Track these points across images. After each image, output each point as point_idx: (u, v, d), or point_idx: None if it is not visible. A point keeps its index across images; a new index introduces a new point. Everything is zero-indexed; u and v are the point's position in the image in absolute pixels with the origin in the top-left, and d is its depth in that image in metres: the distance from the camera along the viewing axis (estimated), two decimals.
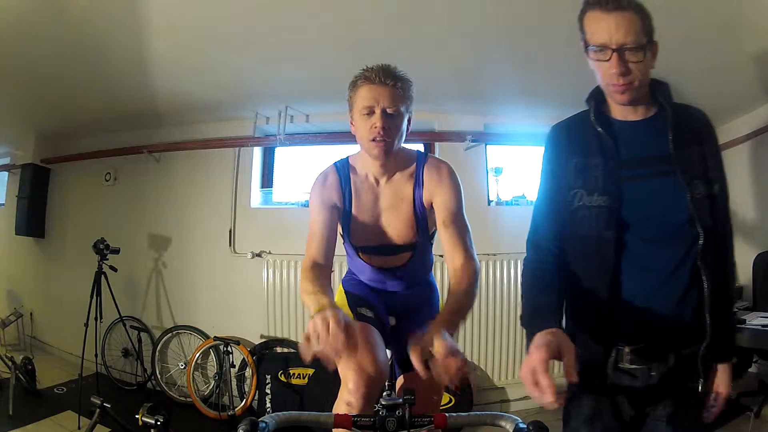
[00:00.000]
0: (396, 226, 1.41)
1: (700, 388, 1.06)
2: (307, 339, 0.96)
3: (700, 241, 1.01)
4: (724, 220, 1.07)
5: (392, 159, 1.37)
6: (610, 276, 1.04)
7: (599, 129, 1.08)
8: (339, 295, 1.51)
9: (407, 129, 1.37)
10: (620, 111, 1.10)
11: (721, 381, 1.10)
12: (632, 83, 1.02)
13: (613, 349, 1.06)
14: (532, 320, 1.02)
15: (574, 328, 1.14)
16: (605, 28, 0.99)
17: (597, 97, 1.12)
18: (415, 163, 1.41)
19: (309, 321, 1.00)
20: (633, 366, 1.05)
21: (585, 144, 1.10)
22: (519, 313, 1.13)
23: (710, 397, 1.10)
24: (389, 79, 1.29)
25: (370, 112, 1.29)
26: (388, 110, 1.28)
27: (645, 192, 1.04)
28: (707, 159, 1.06)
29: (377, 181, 1.41)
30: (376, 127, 1.28)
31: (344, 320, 0.98)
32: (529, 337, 0.97)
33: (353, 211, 1.41)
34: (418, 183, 1.39)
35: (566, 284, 1.14)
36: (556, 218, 1.12)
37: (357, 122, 1.33)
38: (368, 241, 1.44)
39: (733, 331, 1.15)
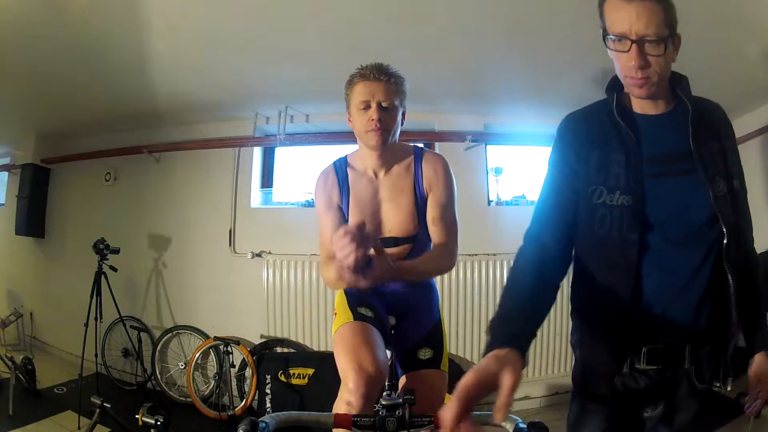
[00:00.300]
0: (397, 217, 1.44)
1: (729, 387, 1.05)
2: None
3: (724, 240, 0.98)
4: (745, 215, 1.05)
5: (389, 151, 1.43)
6: (633, 278, 1.00)
7: (622, 123, 1.02)
8: (339, 296, 1.51)
9: (402, 122, 1.44)
10: (639, 104, 1.05)
11: (761, 369, 1.05)
12: (651, 78, 0.97)
13: (630, 349, 1.02)
14: (505, 323, 0.91)
15: (584, 328, 1.12)
16: (625, 17, 0.94)
17: (617, 88, 1.06)
18: (412, 156, 1.47)
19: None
20: (650, 366, 1.01)
21: (604, 137, 1.04)
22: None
23: (753, 391, 1.05)
24: (383, 75, 1.37)
25: (367, 107, 1.37)
26: (383, 104, 1.36)
27: (667, 191, 1.00)
28: (727, 154, 1.04)
29: (376, 175, 1.46)
30: (372, 120, 1.36)
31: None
32: (491, 346, 0.83)
33: (351, 207, 1.44)
34: (417, 174, 1.45)
35: (578, 284, 1.12)
36: (564, 216, 1.05)
37: (354, 117, 1.41)
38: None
39: (765, 320, 1.10)
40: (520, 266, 1.03)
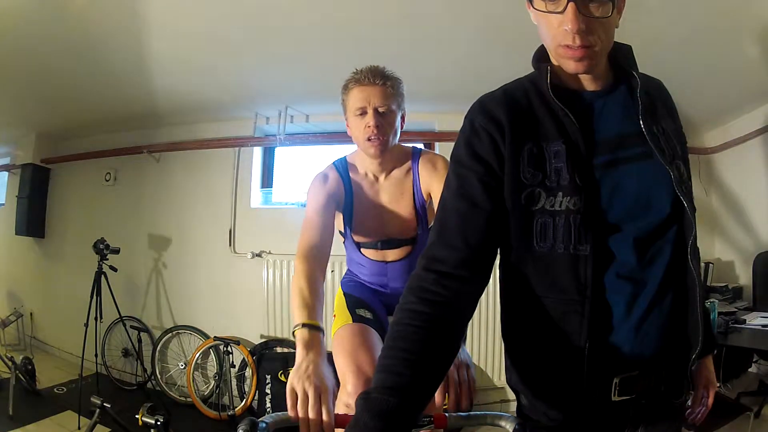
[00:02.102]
0: (397, 219, 1.45)
1: (691, 399, 0.95)
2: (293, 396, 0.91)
3: (693, 233, 0.82)
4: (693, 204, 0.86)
5: (389, 155, 1.40)
6: (591, 302, 0.79)
7: (557, 103, 0.81)
8: (338, 298, 1.52)
9: (401, 125, 1.40)
10: (575, 79, 0.84)
11: (711, 375, 0.99)
12: (593, 46, 0.76)
13: (596, 384, 0.82)
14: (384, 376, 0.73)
15: (529, 371, 0.89)
16: None
17: (548, 60, 0.85)
18: (410, 158, 1.46)
19: (291, 378, 0.94)
20: (623, 398, 0.82)
21: (536, 124, 0.82)
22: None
23: (699, 396, 0.98)
24: (378, 79, 1.32)
25: (363, 112, 1.33)
26: (380, 109, 1.32)
27: (624, 181, 0.82)
28: (680, 134, 0.90)
29: (376, 178, 1.45)
30: (369, 127, 1.32)
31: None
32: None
33: (355, 207, 1.44)
34: (415, 176, 1.43)
35: (511, 317, 0.91)
36: (479, 231, 0.80)
37: (351, 123, 1.37)
38: (370, 236, 1.48)
39: (709, 317, 0.98)
40: (406, 314, 0.77)
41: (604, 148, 0.82)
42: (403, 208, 1.44)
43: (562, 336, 0.82)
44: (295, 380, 0.93)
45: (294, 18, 2.16)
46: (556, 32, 0.77)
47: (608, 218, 0.80)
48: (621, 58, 0.86)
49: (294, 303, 1.10)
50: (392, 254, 1.50)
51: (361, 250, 1.51)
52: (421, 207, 1.44)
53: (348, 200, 1.44)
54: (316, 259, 1.19)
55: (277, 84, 2.87)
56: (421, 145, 3.30)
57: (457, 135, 0.87)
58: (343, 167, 1.46)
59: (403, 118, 1.41)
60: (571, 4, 0.73)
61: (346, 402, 1.22)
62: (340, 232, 1.49)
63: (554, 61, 0.84)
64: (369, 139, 1.33)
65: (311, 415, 0.87)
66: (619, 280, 0.80)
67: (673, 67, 2.35)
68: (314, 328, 1.03)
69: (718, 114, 3.10)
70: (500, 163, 0.82)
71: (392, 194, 1.44)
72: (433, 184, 1.40)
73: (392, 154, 1.42)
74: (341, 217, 1.46)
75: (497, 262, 0.88)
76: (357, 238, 1.49)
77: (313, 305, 1.09)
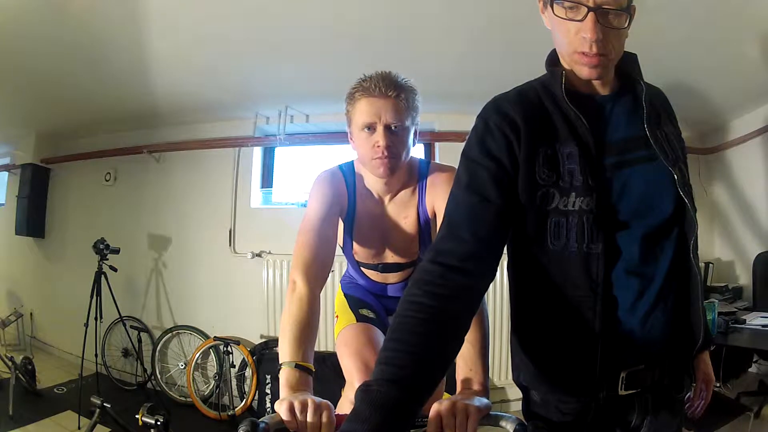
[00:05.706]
0: (399, 243, 1.36)
1: (691, 392, 0.98)
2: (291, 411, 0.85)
3: (695, 232, 0.85)
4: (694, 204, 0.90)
5: (397, 176, 1.27)
6: (602, 298, 0.82)
7: (570, 106, 0.84)
8: (339, 299, 1.52)
9: (414, 142, 1.25)
10: (585, 83, 0.88)
11: (709, 369, 1.02)
12: (608, 55, 0.80)
13: (603, 378, 0.84)
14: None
15: (539, 366, 0.91)
16: None
17: (560, 64, 0.89)
18: (417, 176, 1.32)
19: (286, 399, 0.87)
20: (629, 391, 0.85)
21: (549, 126, 0.85)
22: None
23: (698, 390, 1.01)
24: (391, 90, 1.15)
25: (372, 129, 1.17)
26: (392, 126, 1.16)
27: (632, 182, 0.84)
28: (679, 139, 0.93)
29: (381, 200, 1.33)
30: (378, 146, 1.16)
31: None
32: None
33: (357, 223, 1.34)
34: (421, 196, 1.30)
35: (523, 314, 0.93)
36: (488, 225, 0.82)
37: (357, 139, 1.21)
38: (370, 258, 1.41)
39: (706, 314, 0.99)
40: (409, 308, 0.77)
41: (612, 150, 0.85)
42: (407, 228, 1.33)
43: (576, 330, 0.84)
44: (289, 397, 0.87)
45: (294, 18, 2.15)
46: (573, 39, 0.81)
47: (618, 217, 0.83)
48: (627, 66, 0.90)
49: (285, 334, 0.97)
50: (393, 277, 1.45)
51: (361, 268, 1.45)
52: (425, 224, 1.31)
53: (350, 213, 1.32)
54: (316, 278, 1.07)
55: (277, 84, 2.87)
56: (420, 145, 3.32)
57: (468, 133, 0.90)
58: (350, 174, 1.31)
59: (416, 133, 1.25)
60: (591, 13, 0.77)
61: (352, 399, 1.22)
62: (340, 245, 1.41)
63: (566, 66, 0.87)
64: (377, 158, 1.17)
65: (311, 418, 0.83)
66: (627, 275, 0.83)
67: (673, 66, 2.35)
68: (305, 370, 0.93)
69: (718, 114, 3.11)
70: (512, 162, 0.84)
71: (396, 217, 1.32)
72: (438, 200, 1.25)
73: (400, 173, 1.27)
74: (342, 225, 1.35)
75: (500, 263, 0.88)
76: (357, 257, 1.41)
77: (308, 343, 0.97)
